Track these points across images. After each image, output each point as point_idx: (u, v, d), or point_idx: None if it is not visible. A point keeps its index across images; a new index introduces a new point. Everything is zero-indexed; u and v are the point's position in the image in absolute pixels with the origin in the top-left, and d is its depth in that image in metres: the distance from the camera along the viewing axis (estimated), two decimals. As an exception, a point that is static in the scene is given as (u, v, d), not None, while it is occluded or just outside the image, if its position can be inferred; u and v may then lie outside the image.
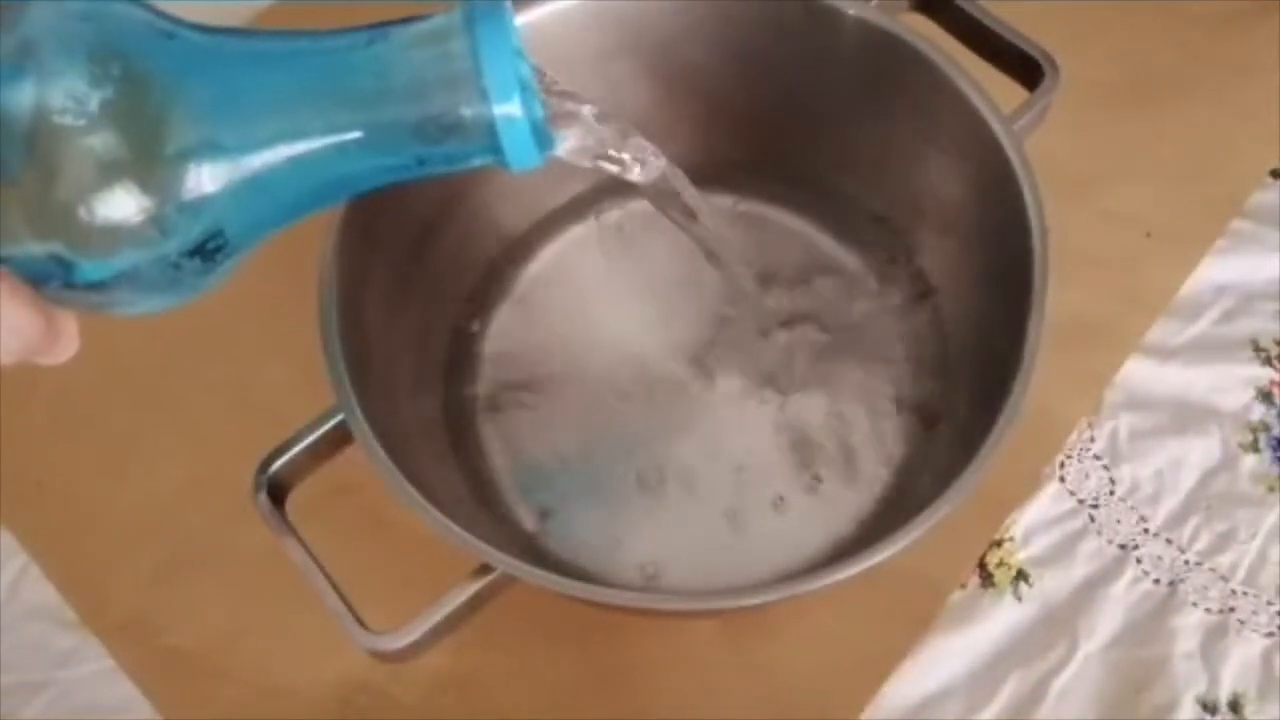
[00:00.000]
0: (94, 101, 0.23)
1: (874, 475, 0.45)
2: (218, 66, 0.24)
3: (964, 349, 0.45)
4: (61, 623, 0.46)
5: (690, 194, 0.35)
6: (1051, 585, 0.46)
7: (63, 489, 0.48)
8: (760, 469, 0.45)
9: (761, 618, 0.45)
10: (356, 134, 0.25)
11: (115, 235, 0.23)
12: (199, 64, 0.24)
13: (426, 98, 0.25)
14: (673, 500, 0.45)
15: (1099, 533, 0.47)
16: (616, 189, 0.50)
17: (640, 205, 0.50)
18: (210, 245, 0.25)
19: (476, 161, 0.26)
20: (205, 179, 0.24)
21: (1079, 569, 0.46)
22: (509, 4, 0.25)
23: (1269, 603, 0.45)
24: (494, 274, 0.49)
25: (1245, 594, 0.45)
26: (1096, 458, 0.48)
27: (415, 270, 0.45)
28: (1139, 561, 0.46)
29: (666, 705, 0.44)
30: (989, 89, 0.41)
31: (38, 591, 0.47)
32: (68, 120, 0.22)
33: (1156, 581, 0.46)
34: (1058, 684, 0.44)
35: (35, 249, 0.23)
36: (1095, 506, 0.47)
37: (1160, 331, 0.50)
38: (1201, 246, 0.52)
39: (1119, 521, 0.47)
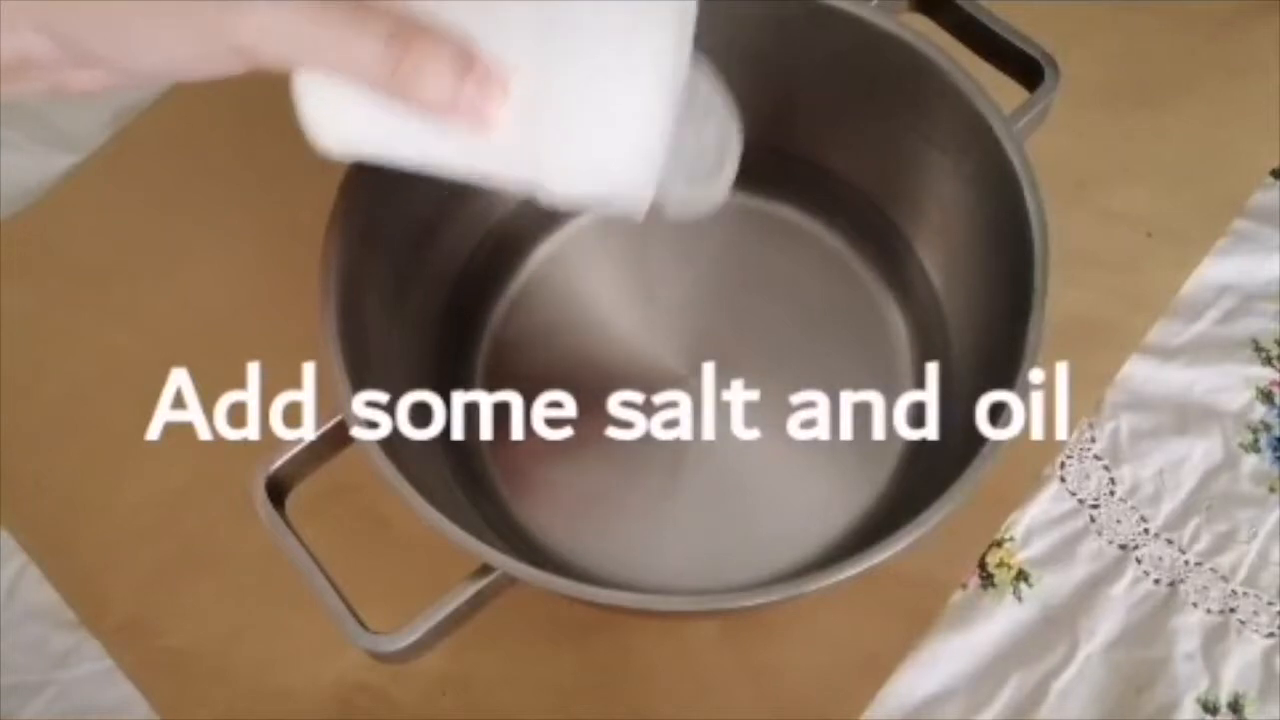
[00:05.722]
0: None
1: (874, 474, 0.45)
2: None
3: (964, 349, 0.45)
4: (60, 623, 0.46)
5: None
6: (1052, 585, 0.46)
7: (62, 489, 0.48)
8: (760, 467, 0.45)
9: (761, 618, 0.45)
10: None
11: None
12: None
13: None
14: (672, 499, 0.45)
15: (1099, 533, 0.47)
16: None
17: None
18: None
19: None
20: None
21: (1079, 569, 0.46)
22: None
23: (1270, 603, 0.45)
24: (493, 274, 0.49)
25: (1246, 594, 0.45)
26: (1097, 458, 0.48)
27: (415, 270, 0.45)
28: (1139, 562, 0.46)
29: (666, 706, 0.44)
30: (989, 89, 0.41)
31: (37, 592, 0.47)
32: None
33: (1157, 582, 0.46)
34: (1058, 684, 0.44)
35: None
36: (1096, 507, 0.47)
37: (1161, 331, 0.50)
38: (1202, 246, 0.52)
39: (1119, 522, 0.47)
